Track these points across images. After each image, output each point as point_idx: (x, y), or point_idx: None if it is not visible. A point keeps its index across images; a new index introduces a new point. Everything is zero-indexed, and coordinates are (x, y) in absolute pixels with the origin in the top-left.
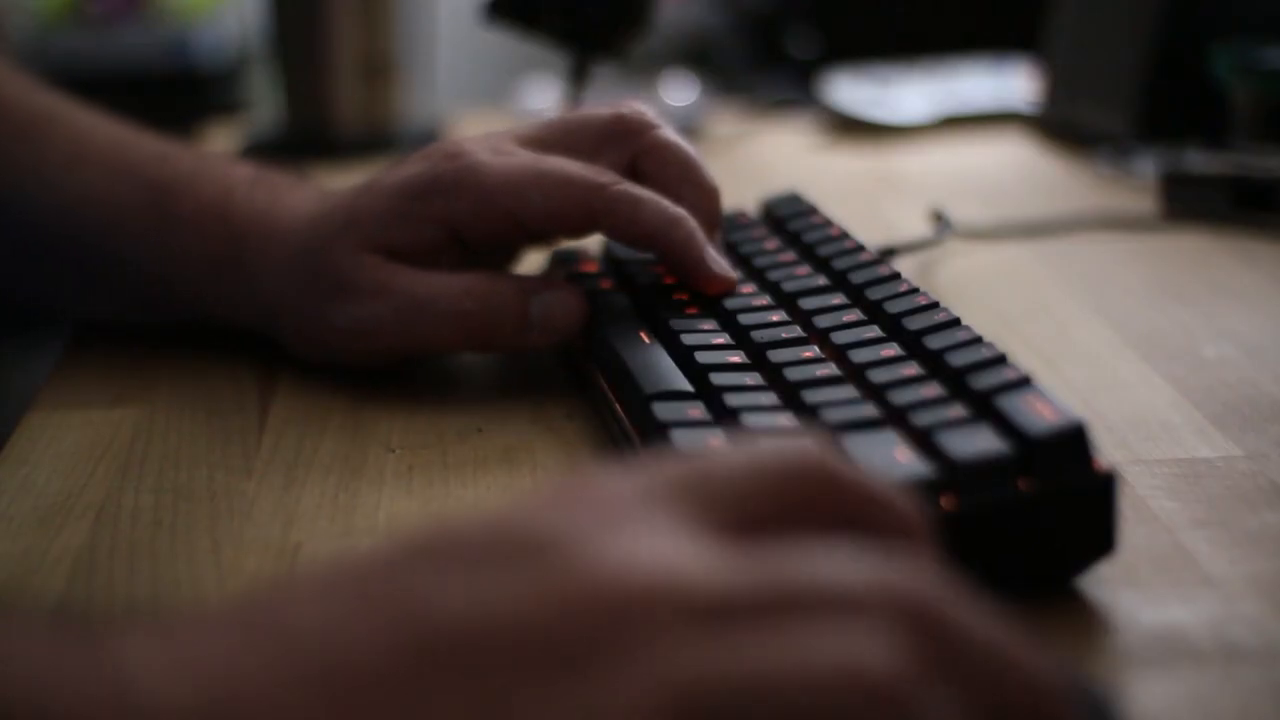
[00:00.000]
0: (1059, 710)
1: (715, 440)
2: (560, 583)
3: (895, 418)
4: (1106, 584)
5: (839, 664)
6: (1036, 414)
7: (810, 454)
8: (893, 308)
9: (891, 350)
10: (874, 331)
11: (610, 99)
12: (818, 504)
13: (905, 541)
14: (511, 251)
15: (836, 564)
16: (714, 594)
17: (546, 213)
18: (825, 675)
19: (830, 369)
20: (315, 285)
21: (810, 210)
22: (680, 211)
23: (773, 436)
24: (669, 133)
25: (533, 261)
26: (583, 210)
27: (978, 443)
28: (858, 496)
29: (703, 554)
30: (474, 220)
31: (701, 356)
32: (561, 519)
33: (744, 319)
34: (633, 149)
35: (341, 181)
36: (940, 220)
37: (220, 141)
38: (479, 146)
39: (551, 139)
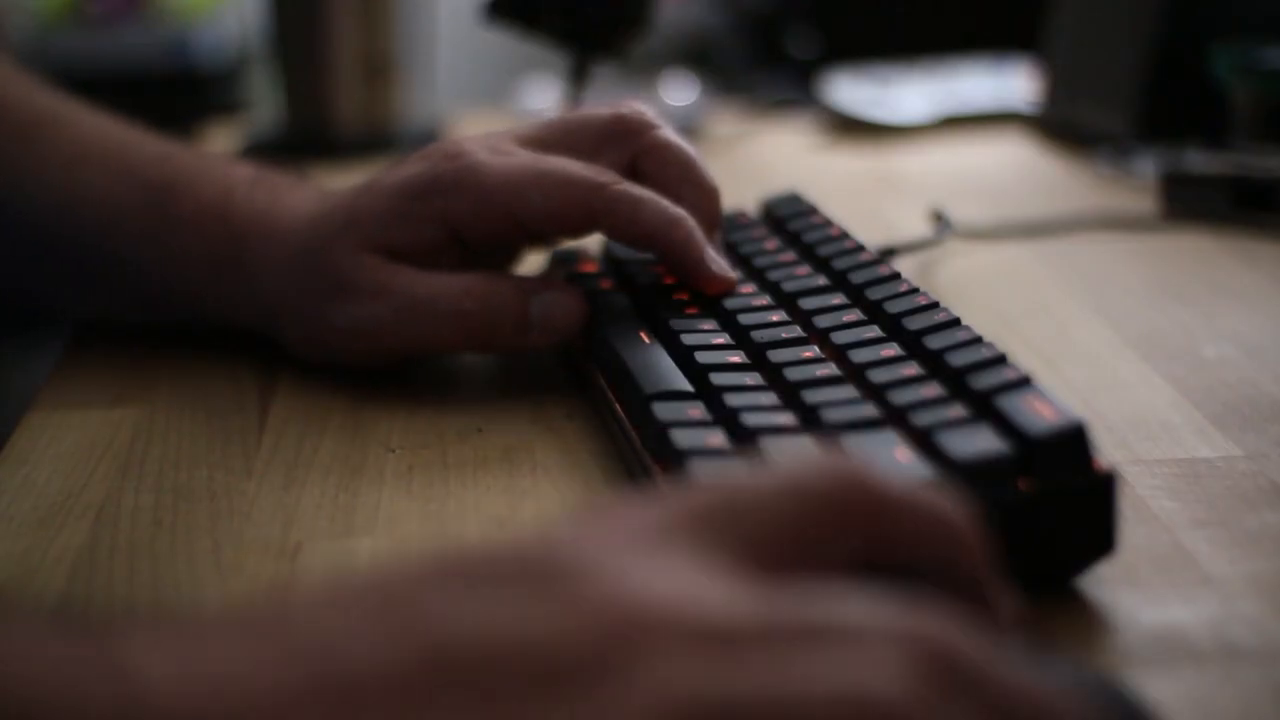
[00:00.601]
0: None
1: (739, 467)
2: (571, 608)
3: (895, 418)
4: (1106, 584)
5: (844, 689)
6: (1036, 414)
7: (842, 471)
8: (893, 308)
9: (891, 350)
10: (874, 331)
11: (610, 99)
12: (851, 526)
13: (951, 550)
14: (511, 252)
15: (856, 603)
16: (722, 621)
17: (546, 212)
18: (830, 699)
19: (830, 369)
20: (315, 285)
21: (810, 210)
22: (680, 212)
23: (798, 458)
24: (669, 133)
25: (533, 262)
26: (583, 210)
27: (978, 443)
28: (896, 510)
29: (719, 586)
30: (474, 220)
31: (701, 356)
32: (582, 549)
33: (744, 319)
34: (633, 149)
35: (342, 181)
36: (940, 220)
37: (220, 141)
38: (479, 146)
39: (551, 139)
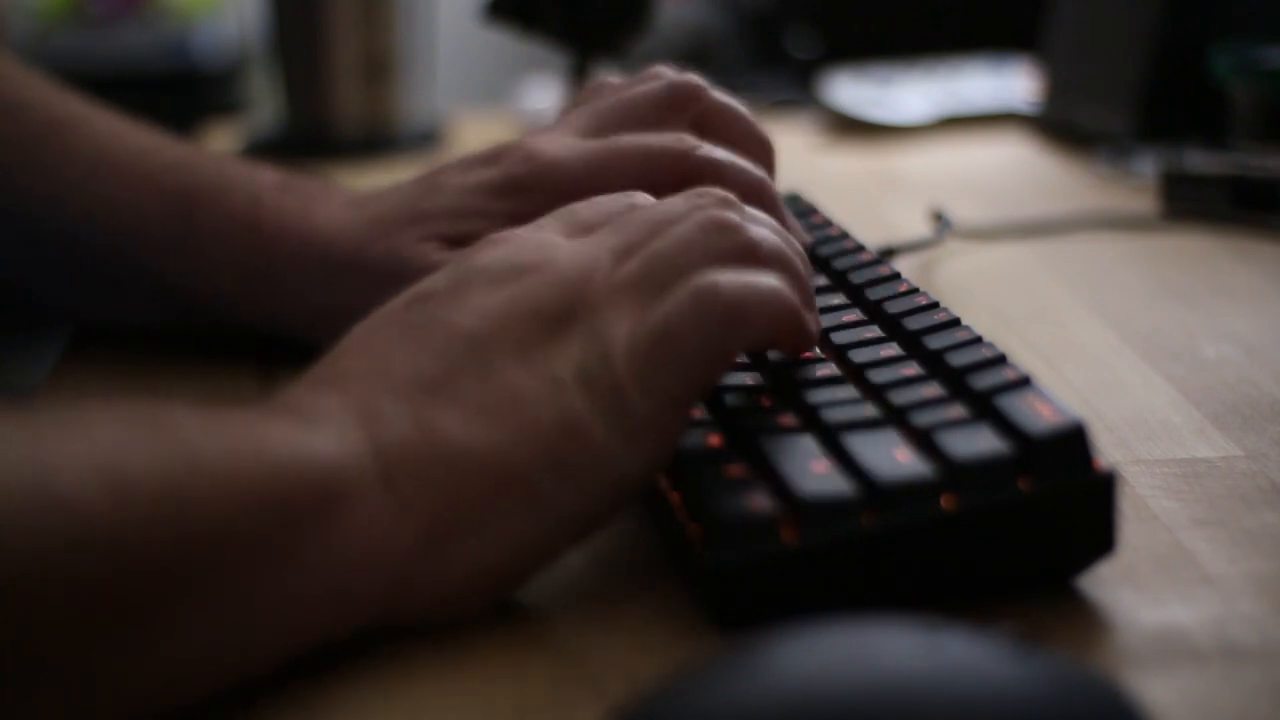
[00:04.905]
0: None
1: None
2: (542, 283)
3: (895, 418)
4: (1106, 584)
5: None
6: (1036, 414)
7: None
8: (893, 308)
9: (891, 350)
10: (874, 331)
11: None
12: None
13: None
14: None
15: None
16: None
17: (636, 188)
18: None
19: (830, 369)
20: (374, 284)
21: (810, 210)
22: (761, 174)
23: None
24: (720, 94)
25: None
26: (674, 179)
27: (978, 443)
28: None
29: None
30: None
31: None
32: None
33: None
34: (691, 116)
35: (345, 181)
36: (940, 220)
37: (220, 141)
38: (543, 143)
39: (611, 122)
